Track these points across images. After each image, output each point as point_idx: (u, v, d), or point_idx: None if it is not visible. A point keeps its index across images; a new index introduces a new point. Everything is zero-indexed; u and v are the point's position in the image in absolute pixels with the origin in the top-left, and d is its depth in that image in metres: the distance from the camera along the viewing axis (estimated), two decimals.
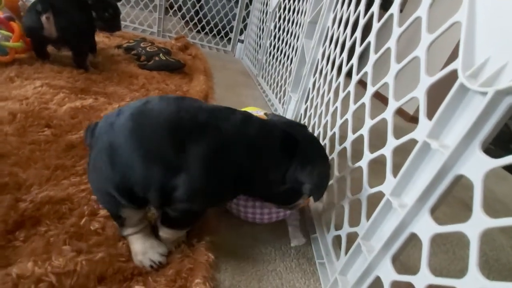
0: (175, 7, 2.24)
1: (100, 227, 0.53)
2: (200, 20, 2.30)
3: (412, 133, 0.41)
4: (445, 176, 0.35)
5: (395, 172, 0.43)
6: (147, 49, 1.52)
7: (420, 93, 0.40)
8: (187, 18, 2.30)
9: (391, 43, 0.48)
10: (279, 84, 1.35)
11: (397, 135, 0.45)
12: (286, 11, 1.41)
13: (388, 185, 0.44)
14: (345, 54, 0.68)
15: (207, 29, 2.32)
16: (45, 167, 0.62)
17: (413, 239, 0.40)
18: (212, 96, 1.31)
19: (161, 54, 1.49)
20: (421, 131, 0.39)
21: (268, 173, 0.46)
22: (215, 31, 2.33)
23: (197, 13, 2.31)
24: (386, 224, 0.45)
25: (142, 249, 0.49)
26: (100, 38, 1.67)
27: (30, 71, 1.02)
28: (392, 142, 0.45)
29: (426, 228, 0.37)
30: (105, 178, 0.45)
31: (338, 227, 0.61)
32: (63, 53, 1.22)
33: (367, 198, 0.51)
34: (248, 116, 0.48)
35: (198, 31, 2.33)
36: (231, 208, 0.64)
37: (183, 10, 2.27)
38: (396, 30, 0.48)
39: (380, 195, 0.46)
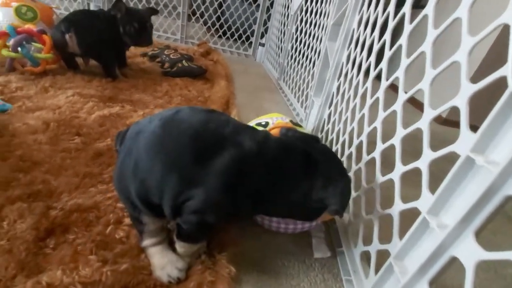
0: (198, 14, 2.28)
1: (125, 236, 0.54)
2: (221, 26, 2.33)
3: (452, 145, 0.37)
4: (492, 196, 0.31)
5: (431, 183, 0.39)
6: (171, 56, 1.56)
7: (461, 102, 0.36)
8: (209, 24, 2.34)
9: (426, 47, 0.44)
10: (301, 88, 1.32)
11: (431, 140, 0.41)
12: (308, 14, 1.38)
13: (424, 202, 0.41)
14: (372, 58, 0.64)
15: (228, 34, 2.34)
16: (75, 175, 0.65)
17: (454, 263, 0.36)
18: (233, 102, 1.31)
19: (183, 61, 1.52)
20: (464, 144, 0.35)
21: (290, 194, 0.44)
22: (236, 36, 2.35)
23: (218, 18, 2.34)
24: (422, 245, 0.41)
25: (161, 264, 0.49)
26: None
27: (63, 81, 1.08)
28: (428, 155, 0.41)
29: (470, 253, 0.33)
30: (128, 182, 0.46)
31: (367, 241, 0.57)
32: (92, 63, 1.28)
33: (399, 214, 0.47)
34: (268, 135, 0.47)
35: (220, 36, 2.35)
36: (255, 217, 0.63)
37: (205, 16, 2.30)
38: (432, 32, 0.44)
39: (414, 209, 0.42)
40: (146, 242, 0.50)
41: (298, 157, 0.45)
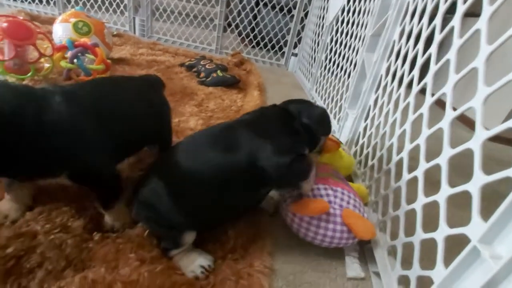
0: (233, 25, 2.36)
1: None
2: (255, 36, 2.38)
3: (509, 170, 0.34)
4: None
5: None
6: (206, 66, 1.62)
7: None
8: (243, 34, 2.40)
9: (479, 63, 0.42)
10: (335, 100, 1.30)
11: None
12: (345, 24, 1.37)
13: (475, 228, 0.37)
14: (416, 71, 0.61)
15: (261, 44, 2.38)
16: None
17: None
18: None
19: (218, 71, 1.57)
20: None
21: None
22: (269, 46, 2.38)
23: (252, 29, 2.40)
24: (471, 276, 0.37)
25: (191, 260, 0.52)
26: (166, 57, 1.85)
27: None
28: (481, 178, 0.38)
29: None
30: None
31: (405, 264, 0.54)
32: (137, 72, 1.38)
33: (444, 239, 0.44)
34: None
35: (253, 47, 2.40)
36: (292, 223, 0.63)
37: (240, 27, 2.37)
38: (485, 48, 0.41)
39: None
40: (175, 252, 0.53)
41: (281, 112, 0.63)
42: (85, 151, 0.48)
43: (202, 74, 1.58)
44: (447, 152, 0.45)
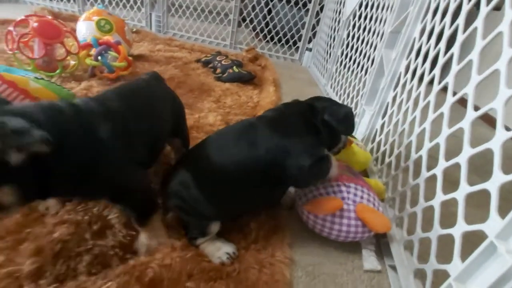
0: (247, 20, 2.36)
1: None
2: (269, 31, 2.38)
3: None
4: None
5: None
6: (222, 62, 1.65)
7: None
8: (258, 29, 2.41)
9: (501, 65, 0.42)
10: (351, 96, 1.30)
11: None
12: (362, 19, 1.36)
13: (492, 225, 0.39)
14: (437, 70, 0.62)
15: (275, 39, 2.38)
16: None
17: None
18: None
19: (234, 67, 1.60)
20: None
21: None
22: (283, 41, 2.38)
23: (267, 24, 2.40)
24: (487, 269, 0.39)
25: (217, 247, 0.56)
26: (183, 53, 1.89)
27: None
28: (500, 178, 0.40)
29: None
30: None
31: (421, 259, 0.56)
32: (156, 69, 1.42)
33: (461, 235, 0.45)
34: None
35: (267, 41, 2.41)
36: (308, 220, 0.66)
37: (255, 22, 2.38)
38: (508, 51, 0.42)
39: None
40: (201, 240, 0.56)
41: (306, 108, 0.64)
42: (128, 177, 0.50)
43: (218, 70, 1.61)
44: (467, 151, 0.46)
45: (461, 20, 0.55)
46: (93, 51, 1.20)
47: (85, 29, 1.40)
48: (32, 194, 0.40)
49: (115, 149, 0.46)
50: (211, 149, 0.58)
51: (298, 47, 2.39)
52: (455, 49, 0.55)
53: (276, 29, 2.36)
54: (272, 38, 2.40)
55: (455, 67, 0.54)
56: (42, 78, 0.77)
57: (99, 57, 1.19)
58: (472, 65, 0.48)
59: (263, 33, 2.40)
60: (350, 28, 1.50)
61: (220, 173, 0.55)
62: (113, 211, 0.60)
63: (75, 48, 1.18)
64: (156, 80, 0.69)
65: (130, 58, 1.29)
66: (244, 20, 2.37)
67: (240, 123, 0.64)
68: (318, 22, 2.22)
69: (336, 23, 1.76)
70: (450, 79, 0.55)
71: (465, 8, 0.54)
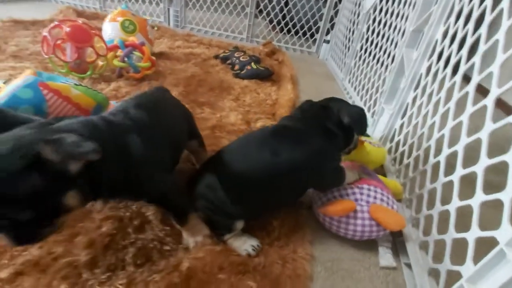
0: (264, 13, 2.35)
1: None
2: (286, 23, 2.37)
3: None
4: None
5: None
6: (240, 58, 1.68)
7: None
8: (275, 22, 2.39)
9: None
10: (369, 92, 1.31)
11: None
12: (383, 14, 1.34)
13: (504, 233, 0.42)
14: (458, 78, 0.63)
15: (292, 32, 2.37)
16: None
17: None
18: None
19: (252, 63, 1.62)
20: None
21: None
22: (300, 33, 2.36)
23: (284, 16, 2.38)
24: (496, 273, 0.42)
25: (243, 241, 0.62)
26: (201, 49, 1.93)
27: (156, 85, 1.28)
28: None
29: None
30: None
31: (435, 259, 0.59)
32: (177, 67, 1.47)
33: (475, 240, 0.48)
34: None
35: (284, 34, 2.39)
36: (324, 221, 0.70)
37: (271, 15, 2.37)
38: None
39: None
40: (228, 236, 0.62)
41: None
42: (159, 182, 0.55)
43: (237, 67, 1.64)
44: (484, 161, 0.49)
45: (483, 30, 0.56)
46: (119, 52, 1.26)
47: (110, 30, 1.46)
48: (88, 197, 0.47)
49: (145, 158, 0.51)
50: (235, 156, 0.63)
51: (315, 39, 2.37)
52: (477, 59, 0.56)
53: (293, 21, 2.34)
54: (289, 31, 2.38)
55: (476, 77, 0.55)
56: (80, 84, 0.83)
57: (126, 59, 1.25)
58: (493, 77, 0.49)
59: (280, 26, 2.39)
60: (370, 22, 1.48)
61: (244, 178, 0.60)
62: (150, 208, 0.67)
63: (103, 50, 1.24)
64: (166, 91, 0.76)
65: (153, 58, 1.35)
66: (260, 12, 2.36)
67: (260, 132, 0.69)
68: (336, 13, 2.18)
69: (356, 16, 1.73)
70: (471, 88, 0.56)
71: (488, 18, 0.55)
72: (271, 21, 2.44)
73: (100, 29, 1.53)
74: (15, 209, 0.37)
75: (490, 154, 0.48)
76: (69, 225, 0.60)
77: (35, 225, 0.40)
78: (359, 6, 1.69)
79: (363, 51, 1.52)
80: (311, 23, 2.29)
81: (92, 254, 0.55)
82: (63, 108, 0.75)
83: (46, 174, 0.38)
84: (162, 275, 0.53)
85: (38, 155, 0.37)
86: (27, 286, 0.48)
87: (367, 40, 1.49)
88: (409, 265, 0.65)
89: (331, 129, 0.65)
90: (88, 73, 1.20)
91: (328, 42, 2.29)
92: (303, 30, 2.34)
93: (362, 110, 0.69)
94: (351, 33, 1.76)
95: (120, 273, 0.53)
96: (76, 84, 0.82)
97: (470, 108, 0.55)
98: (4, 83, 0.77)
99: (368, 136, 0.95)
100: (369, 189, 0.68)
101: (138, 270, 0.54)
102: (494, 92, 0.49)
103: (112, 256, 0.55)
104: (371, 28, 1.45)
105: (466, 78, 0.59)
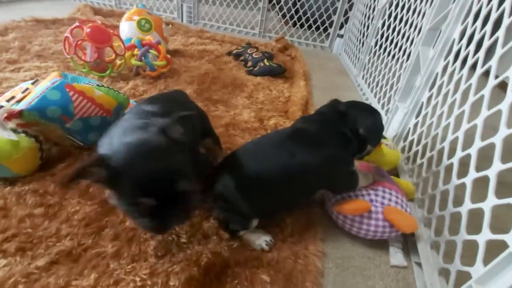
0: (277, 8, 2.34)
1: None
2: (299, 18, 2.34)
3: None
4: None
5: None
6: (253, 55, 1.69)
7: None
8: (287, 16, 2.37)
9: None
10: (383, 90, 1.30)
11: None
12: (399, 9, 1.31)
13: None
14: (474, 80, 0.63)
15: (305, 26, 2.34)
16: None
17: None
18: (311, 102, 1.38)
19: (265, 60, 1.63)
20: None
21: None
22: (313, 27, 2.33)
23: (297, 10, 2.35)
24: (505, 275, 0.44)
25: (257, 237, 0.65)
26: (214, 45, 1.95)
27: (172, 83, 1.32)
28: None
29: None
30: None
31: (446, 259, 0.60)
32: (191, 64, 1.50)
33: (485, 242, 0.49)
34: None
35: (297, 28, 2.37)
36: (337, 219, 0.72)
37: (284, 9, 2.35)
38: None
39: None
40: (242, 232, 0.65)
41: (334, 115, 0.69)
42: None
43: (249, 64, 1.65)
44: (497, 166, 0.49)
45: (501, 33, 0.55)
46: (136, 51, 1.30)
47: (127, 29, 1.50)
48: None
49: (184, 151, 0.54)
50: (251, 158, 0.66)
51: (328, 33, 2.34)
52: (493, 62, 0.56)
53: (306, 15, 2.31)
54: (302, 25, 2.36)
55: (492, 82, 0.55)
56: (102, 85, 0.88)
57: (143, 57, 1.29)
58: (508, 83, 0.49)
59: (292, 20, 2.37)
60: (386, 17, 1.45)
61: (261, 179, 0.63)
62: None
63: (121, 49, 1.28)
64: (182, 92, 0.84)
65: (169, 56, 1.38)
66: (273, 6, 2.35)
67: (277, 134, 0.71)
68: (350, 7, 2.14)
69: (371, 10, 1.70)
70: (486, 92, 0.56)
71: (506, 22, 0.54)
72: (283, 16, 2.42)
73: (117, 28, 1.58)
74: None
75: (505, 154, 0.49)
76: (96, 218, 0.64)
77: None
78: (374, 1, 1.66)
79: (378, 46, 1.50)
80: (324, 17, 2.26)
81: (117, 246, 0.60)
82: (88, 108, 0.79)
83: None
84: (181, 266, 0.57)
85: None
86: (62, 275, 0.53)
87: (382, 35, 1.47)
88: (419, 264, 0.66)
89: (346, 134, 0.66)
90: (108, 72, 1.25)
91: (341, 36, 2.26)
92: (316, 24, 2.31)
93: (378, 122, 0.70)
94: (365, 27, 1.74)
95: (143, 264, 0.57)
96: (98, 85, 0.86)
97: (485, 112, 0.55)
98: (33, 84, 0.82)
99: (384, 138, 0.95)
100: (384, 191, 0.70)
101: (159, 262, 0.58)
102: (510, 96, 0.49)
103: (136, 248, 0.60)
104: (386, 24, 1.43)
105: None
